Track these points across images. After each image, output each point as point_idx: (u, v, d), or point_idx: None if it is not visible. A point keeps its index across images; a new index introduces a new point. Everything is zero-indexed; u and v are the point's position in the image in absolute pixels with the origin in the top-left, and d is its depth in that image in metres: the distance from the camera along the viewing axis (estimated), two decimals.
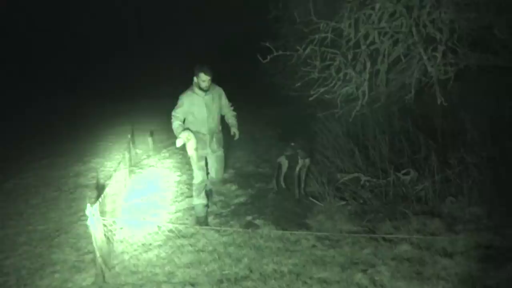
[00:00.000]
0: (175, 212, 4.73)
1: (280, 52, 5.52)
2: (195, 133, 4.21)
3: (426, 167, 4.52)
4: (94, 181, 6.02)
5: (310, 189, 4.89)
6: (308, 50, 5.50)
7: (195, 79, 4.17)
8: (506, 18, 4.89)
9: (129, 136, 7.07)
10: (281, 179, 5.09)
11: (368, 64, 5.45)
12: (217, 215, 4.57)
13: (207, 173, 4.54)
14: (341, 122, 5.99)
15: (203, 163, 4.40)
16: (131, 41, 20.05)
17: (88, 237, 3.72)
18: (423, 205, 4.14)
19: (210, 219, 4.49)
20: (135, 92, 15.10)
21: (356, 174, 4.81)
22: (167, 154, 7.40)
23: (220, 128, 4.51)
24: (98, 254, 3.35)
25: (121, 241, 4.04)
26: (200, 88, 4.18)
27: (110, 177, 5.97)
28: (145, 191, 5.49)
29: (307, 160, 4.84)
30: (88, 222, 3.30)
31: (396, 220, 3.97)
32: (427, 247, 3.43)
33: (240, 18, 14.37)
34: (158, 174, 6.26)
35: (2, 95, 13.45)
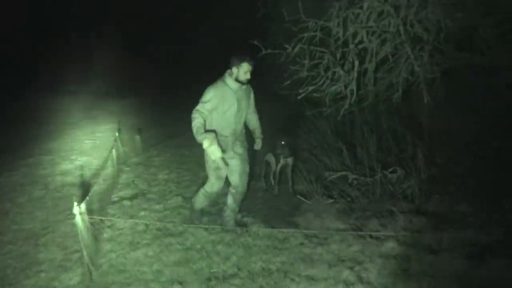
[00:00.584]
0: (163, 211, 4.71)
1: (269, 51, 5.52)
2: (219, 136, 3.79)
3: (412, 165, 4.58)
4: (81, 180, 5.95)
5: (298, 187, 4.92)
6: (296, 49, 5.52)
7: (233, 70, 3.67)
8: (492, 19, 4.97)
9: (116, 134, 7.01)
10: (271, 177, 5.11)
11: (357, 63, 5.49)
12: (206, 213, 4.56)
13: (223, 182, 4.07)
14: (329, 120, 6.03)
15: (223, 172, 3.94)
16: (121, 38, 19.87)
17: (75, 235, 3.68)
18: (410, 203, 4.19)
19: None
20: (123, 89, 14.98)
21: (344, 172, 4.85)
22: (155, 152, 7.36)
23: (244, 131, 4.07)
24: (85, 253, 3.32)
25: (108, 240, 4.01)
26: (237, 81, 3.70)
27: (97, 175, 5.92)
28: (132, 190, 5.45)
29: (289, 159, 4.86)
30: (75, 221, 3.27)
31: (383, 218, 4.01)
32: (413, 244, 3.47)
33: (229, 17, 14.35)
34: (146, 172, 6.22)
35: None
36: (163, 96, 13.89)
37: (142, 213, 4.67)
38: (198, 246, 3.78)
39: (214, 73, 3.96)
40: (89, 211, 3.52)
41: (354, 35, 5.47)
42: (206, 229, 4.06)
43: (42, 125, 10.12)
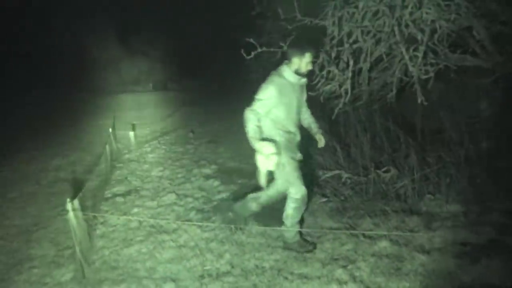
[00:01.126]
0: (157, 208, 4.69)
1: (264, 49, 5.51)
2: (287, 134, 3.52)
3: (405, 165, 4.61)
4: (75, 176, 5.92)
5: None
6: None
7: (293, 61, 3.37)
8: (485, 20, 5.00)
9: (110, 130, 6.98)
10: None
11: (351, 63, 5.49)
12: (199, 210, 4.56)
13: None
14: (324, 119, 6.04)
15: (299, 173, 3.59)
16: (112, 35, 19.73)
17: (67, 232, 3.67)
18: (402, 203, 4.23)
19: (192, 214, 4.46)
20: (116, 85, 14.90)
21: (337, 171, 4.87)
22: (148, 149, 7.34)
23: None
24: (77, 249, 3.31)
25: (101, 237, 4.00)
26: (297, 73, 3.41)
27: (90, 171, 5.89)
28: (126, 186, 5.43)
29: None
30: (68, 217, 3.25)
31: (376, 217, 4.04)
32: (406, 243, 3.50)
33: (224, 15, 14.31)
34: (140, 169, 6.20)
35: None
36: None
37: (136, 209, 4.66)
38: (192, 244, 3.78)
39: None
40: (82, 207, 3.51)
41: (349, 34, 5.47)
42: (199, 227, 4.06)
43: (33, 121, 10.04)
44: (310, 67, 3.44)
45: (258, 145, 3.35)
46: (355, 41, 5.52)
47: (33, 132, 9.05)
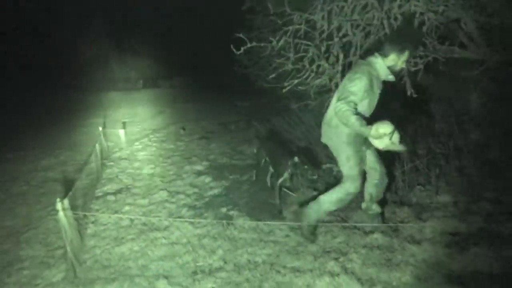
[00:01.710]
0: (148, 205, 4.67)
1: (254, 44, 5.49)
2: None
3: (396, 157, 4.63)
4: (65, 175, 5.87)
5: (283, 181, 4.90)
6: (281, 42, 5.49)
7: (390, 56, 3.27)
8: (472, 12, 5.03)
9: (100, 128, 6.92)
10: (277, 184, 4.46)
11: (341, 56, 5.49)
12: (191, 207, 4.54)
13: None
14: (315, 113, 6.05)
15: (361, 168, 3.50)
16: (102, 33, 19.53)
17: (58, 232, 3.64)
18: (393, 194, 4.25)
19: (183, 211, 4.45)
20: (106, 83, 14.78)
21: (328, 165, 4.88)
22: (139, 147, 7.30)
23: None
24: (68, 248, 3.28)
25: (92, 236, 3.97)
26: (390, 69, 3.30)
27: (81, 170, 5.84)
28: (117, 185, 5.39)
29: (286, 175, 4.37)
30: (58, 217, 3.22)
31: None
32: (397, 234, 3.53)
33: (215, 11, 14.23)
34: (131, 167, 6.16)
35: None
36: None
37: (127, 208, 4.63)
38: (184, 240, 3.77)
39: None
40: (73, 206, 3.48)
41: (339, 28, 5.46)
42: (191, 223, 4.05)
43: (22, 120, 9.92)
44: (404, 66, 3.37)
45: (372, 131, 3.13)
46: (345, 35, 5.52)
47: (22, 132, 8.94)
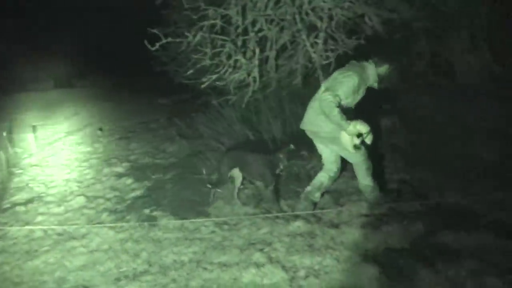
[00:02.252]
0: (64, 213, 4.38)
1: (170, 39, 5.38)
2: None
3: (314, 147, 4.84)
4: None
5: (209, 177, 4.88)
6: (198, 37, 5.45)
7: (385, 66, 3.58)
8: (375, 8, 5.41)
9: (4, 133, 6.33)
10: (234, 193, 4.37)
11: (257, 51, 5.61)
12: (112, 211, 4.34)
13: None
14: (235, 108, 6.10)
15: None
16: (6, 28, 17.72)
17: None
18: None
19: (103, 216, 4.23)
20: (12, 84, 13.52)
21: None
22: (52, 152, 6.79)
23: None
24: None
25: (0, 252, 3.63)
26: (378, 77, 3.60)
27: None
28: (27, 194, 4.98)
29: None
30: None
31: (289, 199, 4.22)
32: (317, 221, 3.71)
33: (131, 6, 13.61)
34: (43, 173, 5.72)
35: None
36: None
37: (40, 218, 4.30)
38: (105, 247, 3.60)
39: None
40: None
41: (254, 23, 5.57)
42: (113, 228, 3.88)
43: None
44: (380, 86, 3.66)
45: (350, 126, 3.34)
46: (260, 30, 5.64)
47: None
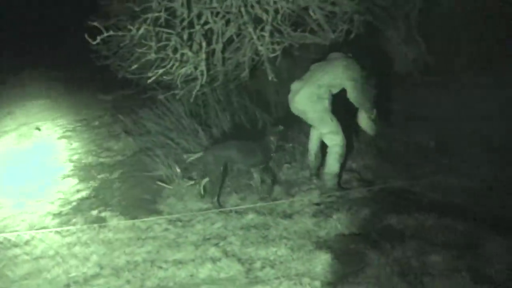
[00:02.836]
0: (2, 220, 4.09)
1: (112, 33, 5.15)
2: None
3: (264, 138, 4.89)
4: None
5: (157, 173, 4.77)
6: (142, 30, 5.26)
7: (366, 67, 4.12)
8: (318, 1, 5.53)
9: None
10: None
11: (204, 44, 5.53)
12: (56, 215, 4.13)
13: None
14: (183, 102, 6.00)
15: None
16: None
17: None
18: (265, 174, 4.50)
19: (47, 220, 4.01)
20: None
21: (201, 153, 4.90)
22: None
23: None
24: None
25: None
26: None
27: None
28: None
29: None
30: None
31: (241, 192, 4.25)
32: (270, 212, 3.78)
33: None
34: None
35: None
36: None
37: None
38: (51, 252, 3.43)
39: None
40: None
41: (199, 16, 5.47)
42: (58, 232, 3.69)
43: None
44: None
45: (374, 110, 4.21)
46: (206, 23, 5.56)
47: None
